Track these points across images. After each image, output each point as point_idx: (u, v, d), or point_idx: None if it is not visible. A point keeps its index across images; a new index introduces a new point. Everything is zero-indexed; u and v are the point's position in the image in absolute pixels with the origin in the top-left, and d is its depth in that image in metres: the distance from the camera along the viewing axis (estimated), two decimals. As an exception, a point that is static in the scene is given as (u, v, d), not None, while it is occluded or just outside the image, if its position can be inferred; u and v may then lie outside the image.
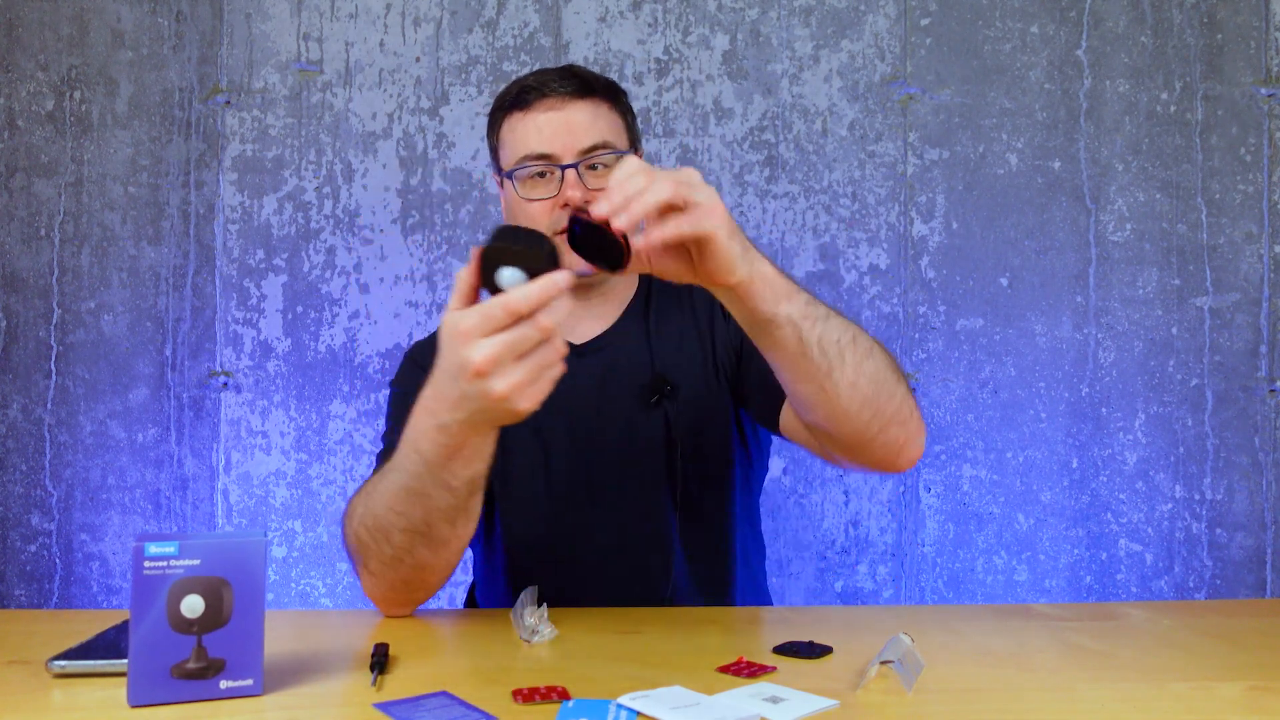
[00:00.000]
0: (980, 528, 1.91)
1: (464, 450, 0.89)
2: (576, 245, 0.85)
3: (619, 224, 0.80)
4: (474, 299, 0.84)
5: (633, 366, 1.21)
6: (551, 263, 0.81)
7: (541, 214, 1.15)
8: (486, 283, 0.82)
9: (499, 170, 1.23)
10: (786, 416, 1.13)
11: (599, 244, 0.83)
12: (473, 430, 0.87)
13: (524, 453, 1.20)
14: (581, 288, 1.21)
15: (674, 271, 0.88)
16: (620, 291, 1.27)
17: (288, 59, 1.92)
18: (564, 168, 1.14)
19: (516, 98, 1.18)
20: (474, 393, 0.82)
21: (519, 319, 0.79)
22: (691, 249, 0.87)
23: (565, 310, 0.80)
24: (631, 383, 1.21)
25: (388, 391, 1.26)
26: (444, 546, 0.97)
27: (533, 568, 1.20)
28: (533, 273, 0.80)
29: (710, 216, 0.83)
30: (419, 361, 1.24)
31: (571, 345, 1.22)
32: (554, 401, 1.17)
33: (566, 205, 1.13)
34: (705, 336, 1.24)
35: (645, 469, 1.19)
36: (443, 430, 0.87)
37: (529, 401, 0.82)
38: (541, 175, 1.16)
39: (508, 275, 0.80)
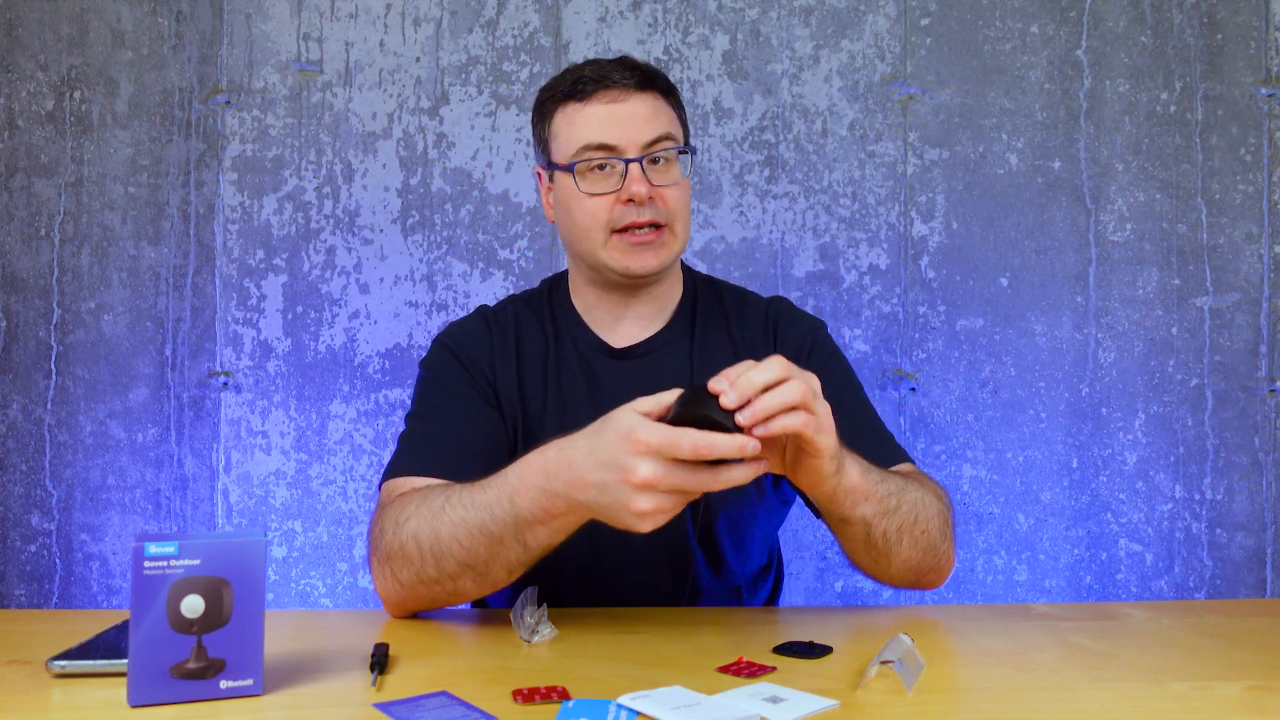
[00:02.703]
0: (980, 528, 1.91)
1: (557, 522, 0.90)
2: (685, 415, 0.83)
3: (743, 418, 0.81)
4: (661, 418, 0.84)
5: (671, 377, 1.17)
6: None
7: (602, 209, 1.12)
8: (673, 419, 0.82)
9: (548, 163, 1.18)
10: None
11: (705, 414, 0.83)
12: (579, 512, 0.89)
13: None
14: (630, 289, 1.19)
15: (769, 459, 0.89)
16: (665, 299, 1.22)
17: (288, 59, 1.92)
18: (628, 161, 1.11)
19: (573, 87, 1.14)
20: (616, 492, 0.83)
21: (697, 461, 0.81)
22: (789, 446, 0.90)
23: (740, 481, 0.82)
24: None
25: (417, 373, 1.21)
26: (491, 585, 0.98)
27: (549, 572, 1.19)
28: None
29: (828, 434, 0.86)
30: (451, 348, 1.20)
31: (611, 348, 1.20)
32: (586, 404, 1.14)
33: (631, 200, 1.11)
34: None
35: None
36: (551, 497, 0.88)
37: (651, 527, 0.84)
38: (602, 168, 1.12)
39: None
